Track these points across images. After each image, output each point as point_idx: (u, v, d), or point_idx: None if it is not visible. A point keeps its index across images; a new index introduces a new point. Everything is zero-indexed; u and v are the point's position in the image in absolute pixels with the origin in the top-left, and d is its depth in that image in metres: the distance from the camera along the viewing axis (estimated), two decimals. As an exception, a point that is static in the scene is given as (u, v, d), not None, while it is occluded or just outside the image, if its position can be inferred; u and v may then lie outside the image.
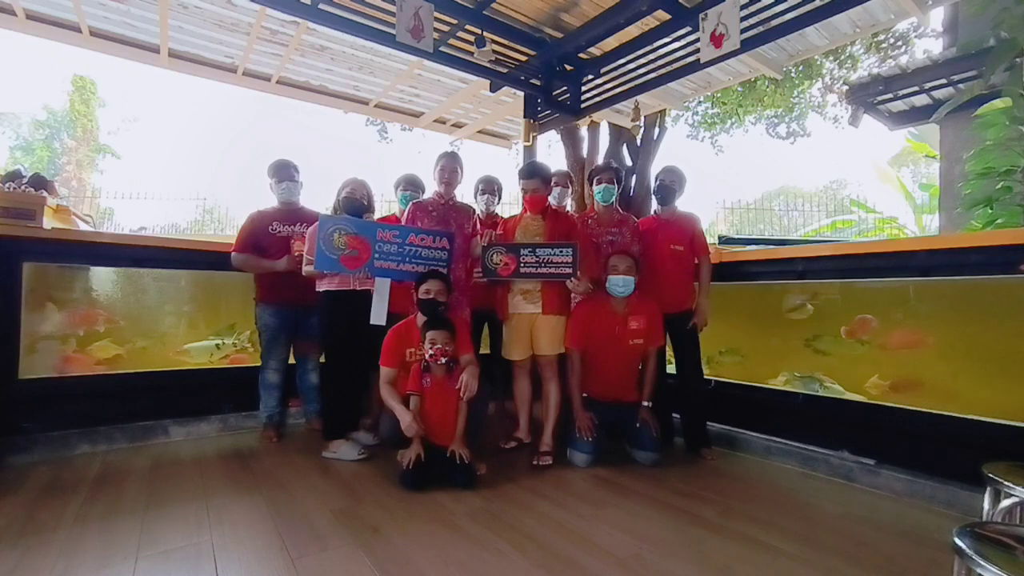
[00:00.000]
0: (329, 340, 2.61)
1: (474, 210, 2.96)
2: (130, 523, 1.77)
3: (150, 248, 2.98)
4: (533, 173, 2.71)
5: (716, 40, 3.06)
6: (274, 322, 2.81)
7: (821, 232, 9.93)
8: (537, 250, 2.56)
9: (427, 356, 2.28)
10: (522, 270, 2.57)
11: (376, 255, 2.49)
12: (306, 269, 2.56)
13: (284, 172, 2.87)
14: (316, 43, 3.96)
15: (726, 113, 7.94)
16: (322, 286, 2.58)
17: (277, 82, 4.51)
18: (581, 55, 4.15)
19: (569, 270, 2.52)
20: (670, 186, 2.84)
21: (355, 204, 2.63)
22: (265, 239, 2.79)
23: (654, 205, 3.01)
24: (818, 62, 7.09)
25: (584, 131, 6.09)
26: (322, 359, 3.01)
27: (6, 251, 2.45)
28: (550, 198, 2.94)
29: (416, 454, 2.18)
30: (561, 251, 2.54)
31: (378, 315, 2.50)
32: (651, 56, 3.77)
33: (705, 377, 2.90)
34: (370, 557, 1.57)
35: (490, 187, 3.07)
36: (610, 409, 2.62)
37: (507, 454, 2.68)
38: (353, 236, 2.46)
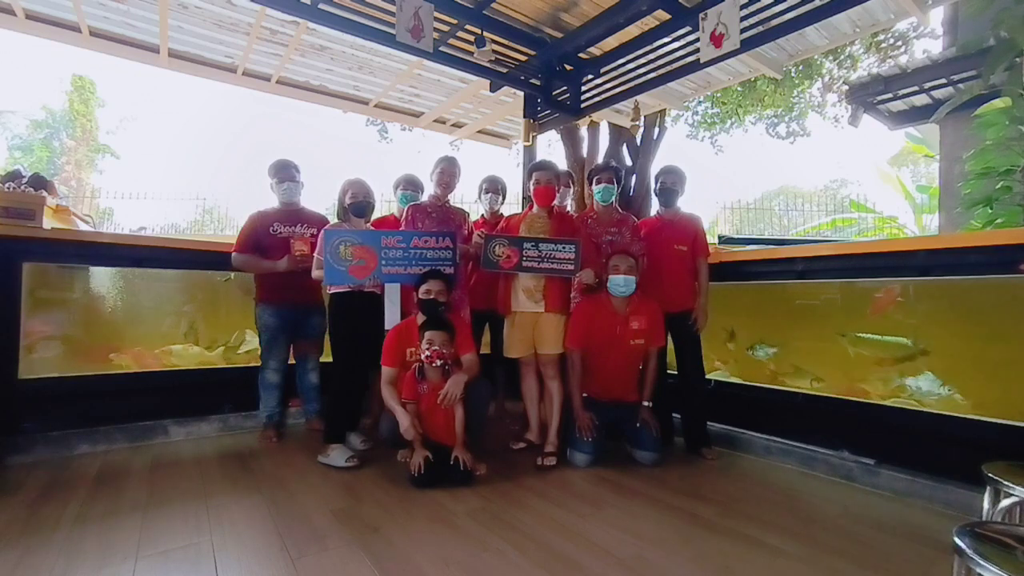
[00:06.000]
0: (340, 343, 2.59)
1: (468, 214, 2.99)
2: (130, 523, 1.77)
3: (150, 248, 2.98)
4: (546, 166, 2.77)
5: (716, 40, 3.06)
6: (274, 322, 2.80)
7: (820, 230, 9.93)
8: (540, 244, 2.56)
9: (423, 356, 2.27)
10: (524, 264, 2.57)
11: (383, 262, 2.50)
12: (316, 273, 2.56)
13: (285, 172, 2.87)
14: (316, 43, 3.96)
15: (726, 113, 7.95)
16: (333, 288, 2.57)
17: (277, 82, 4.51)
18: (581, 55, 4.15)
19: (572, 267, 2.53)
20: (671, 187, 2.84)
21: (361, 205, 2.66)
22: (266, 239, 2.79)
23: (656, 206, 3.01)
24: (818, 62, 7.09)
25: (584, 131, 6.09)
26: (322, 359, 3.02)
27: (6, 251, 2.44)
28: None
29: (424, 457, 2.18)
30: (564, 247, 2.54)
31: (391, 320, 2.52)
32: (651, 56, 3.77)
33: (705, 377, 2.90)
34: (370, 557, 1.57)
35: (494, 187, 3.09)
36: (610, 409, 2.62)
37: (507, 454, 2.68)
38: (359, 246, 2.47)
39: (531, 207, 2.78)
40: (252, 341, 3.14)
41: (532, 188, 2.71)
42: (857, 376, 2.54)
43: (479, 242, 2.66)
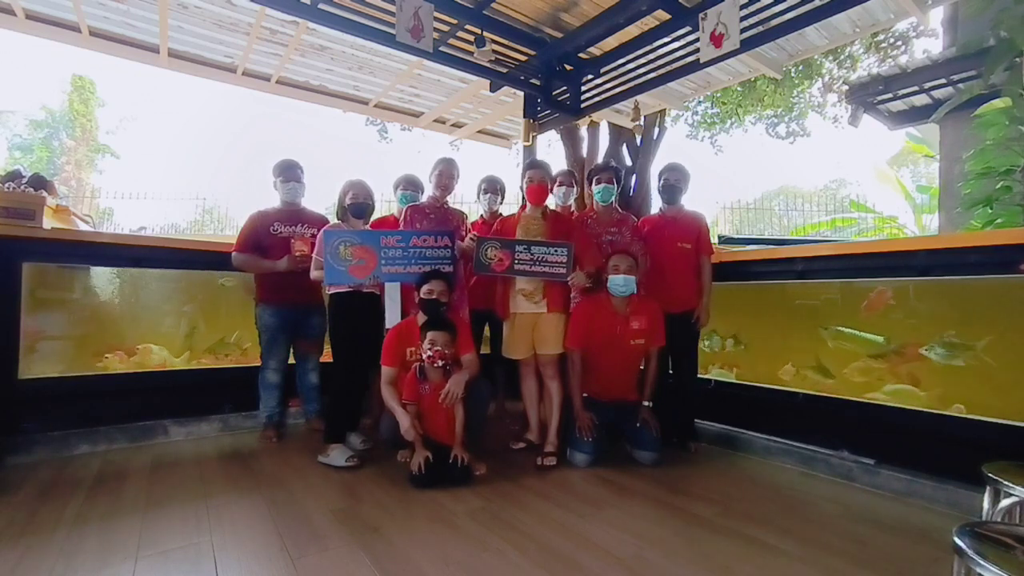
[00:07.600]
0: (340, 343, 2.59)
1: (466, 215, 2.99)
2: (130, 523, 1.78)
3: (150, 248, 2.98)
4: (539, 164, 2.80)
5: (716, 40, 3.06)
6: (274, 322, 2.81)
7: (820, 230, 9.93)
8: (532, 248, 2.56)
9: (424, 357, 2.28)
10: (516, 267, 2.56)
11: (383, 261, 2.51)
12: (315, 273, 2.56)
13: (290, 172, 2.88)
14: (316, 43, 3.96)
15: (726, 113, 7.94)
16: (332, 288, 2.57)
17: (277, 82, 4.51)
18: (581, 55, 4.14)
19: (564, 270, 2.53)
20: (675, 185, 2.84)
21: (361, 207, 2.66)
22: (266, 239, 2.79)
23: (659, 204, 3.01)
24: (818, 62, 7.08)
25: (584, 131, 6.09)
26: (321, 359, 3.02)
27: (6, 251, 2.45)
28: (557, 198, 2.95)
29: (425, 457, 2.18)
30: (556, 250, 2.54)
31: (391, 319, 2.53)
32: (651, 56, 3.77)
33: (705, 377, 2.90)
34: (370, 557, 1.57)
35: (493, 187, 3.09)
36: (610, 409, 2.62)
37: (507, 454, 2.68)
38: (358, 246, 2.48)
39: (524, 206, 2.79)
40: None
41: (525, 186, 2.72)
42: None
43: (471, 245, 2.66)
